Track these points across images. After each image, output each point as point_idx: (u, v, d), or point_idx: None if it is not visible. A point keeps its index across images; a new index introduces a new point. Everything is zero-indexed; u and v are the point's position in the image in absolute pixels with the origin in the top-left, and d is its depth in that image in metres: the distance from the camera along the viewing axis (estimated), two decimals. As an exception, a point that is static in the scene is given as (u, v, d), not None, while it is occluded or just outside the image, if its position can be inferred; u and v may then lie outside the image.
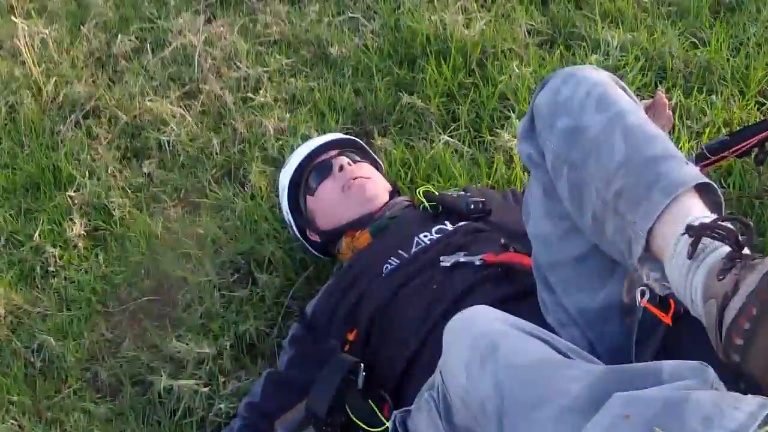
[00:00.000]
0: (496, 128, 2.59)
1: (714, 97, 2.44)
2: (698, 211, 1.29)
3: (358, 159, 2.32)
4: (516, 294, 1.80)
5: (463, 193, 2.19)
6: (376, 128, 2.74)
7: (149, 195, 2.74)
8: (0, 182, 2.91)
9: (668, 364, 1.14)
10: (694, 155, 2.04)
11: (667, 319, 1.42)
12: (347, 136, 2.45)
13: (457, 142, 2.59)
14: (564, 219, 1.56)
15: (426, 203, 2.16)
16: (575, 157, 1.45)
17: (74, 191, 2.78)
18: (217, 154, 2.75)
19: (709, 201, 1.34)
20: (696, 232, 1.22)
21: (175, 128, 2.83)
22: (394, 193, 2.31)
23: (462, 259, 1.90)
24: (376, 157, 2.45)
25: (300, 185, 2.32)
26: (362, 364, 1.82)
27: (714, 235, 1.21)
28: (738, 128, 2.28)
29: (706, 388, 1.09)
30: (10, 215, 2.81)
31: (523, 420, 1.19)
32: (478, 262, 1.88)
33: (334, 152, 2.30)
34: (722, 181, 2.26)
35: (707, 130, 2.38)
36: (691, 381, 1.10)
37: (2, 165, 2.97)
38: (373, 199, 2.22)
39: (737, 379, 1.16)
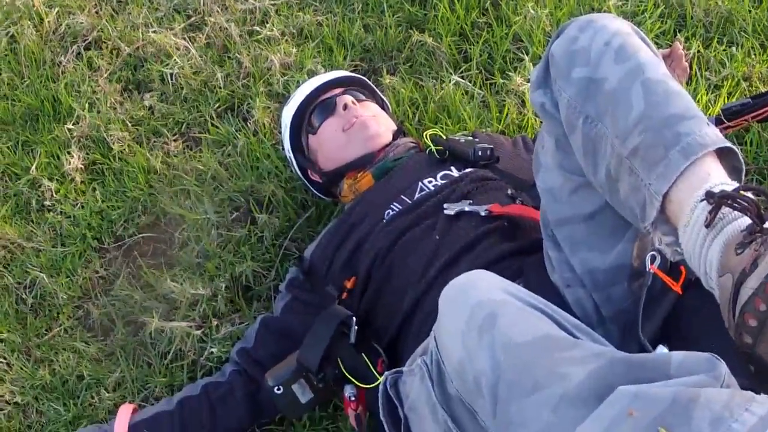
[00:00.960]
0: (509, 71, 2.45)
1: (734, 49, 2.29)
2: (718, 177, 1.21)
3: (363, 98, 2.21)
4: (521, 249, 1.72)
5: (471, 138, 2.08)
6: (385, 66, 2.61)
7: (150, 129, 2.63)
8: (-2, 113, 2.82)
9: (677, 356, 1.06)
10: (714, 117, 1.92)
11: (677, 288, 1.34)
12: (353, 74, 2.33)
13: (467, 83, 2.46)
14: (576, 174, 1.47)
15: (432, 147, 2.05)
16: (591, 110, 1.36)
17: (73, 124, 2.68)
18: (220, 88, 2.64)
19: (729, 166, 1.25)
20: (716, 199, 1.14)
21: (179, 61, 2.71)
22: (399, 133, 2.20)
23: (467, 209, 1.80)
24: (383, 96, 2.34)
25: (302, 123, 2.22)
26: (354, 318, 1.75)
27: (735, 205, 1.13)
28: (759, 89, 2.16)
29: (717, 385, 1.01)
30: (8, 147, 2.72)
31: (518, 404, 1.11)
32: (483, 213, 1.79)
33: (338, 90, 2.19)
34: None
35: (726, 84, 2.24)
36: (701, 376, 1.02)
37: (1, 96, 2.87)
38: (375, 138, 2.11)
39: (747, 361, 1.09)
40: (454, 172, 1.97)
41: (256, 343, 1.95)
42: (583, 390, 1.05)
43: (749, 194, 1.14)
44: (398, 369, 1.54)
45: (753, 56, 2.27)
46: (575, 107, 1.39)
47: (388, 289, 1.82)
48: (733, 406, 0.94)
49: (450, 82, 2.45)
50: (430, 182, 1.95)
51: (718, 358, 1.04)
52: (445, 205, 1.82)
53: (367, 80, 2.33)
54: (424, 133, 2.11)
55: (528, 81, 2.28)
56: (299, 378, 1.77)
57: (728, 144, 1.24)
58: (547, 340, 1.18)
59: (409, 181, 1.97)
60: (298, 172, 2.26)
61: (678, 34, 2.38)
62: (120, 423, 1.85)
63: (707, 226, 1.15)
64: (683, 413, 0.94)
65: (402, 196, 1.94)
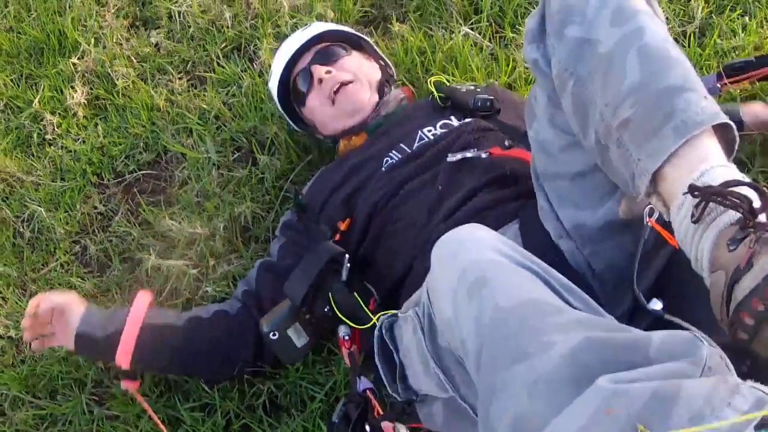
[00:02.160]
0: (519, 25, 2.38)
1: (747, 18, 2.21)
2: (713, 158, 1.12)
3: (339, 55, 2.08)
4: (520, 194, 1.67)
5: (473, 87, 2.02)
6: (394, 13, 2.55)
7: (155, 66, 2.59)
8: (3, 46, 2.78)
9: (657, 337, 1.00)
10: (715, 74, 1.85)
11: (673, 242, 1.24)
12: (320, 29, 2.12)
13: (477, 35, 2.39)
14: (567, 132, 1.39)
15: (436, 94, 2.00)
16: (582, 72, 1.27)
17: (78, 58, 2.65)
18: (228, 28, 2.59)
19: (723, 138, 1.16)
20: (703, 195, 1.07)
21: (187, -2, 2.67)
22: (386, 83, 2.11)
23: (469, 155, 1.75)
24: (359, 35, 2.19)
25: (289, 97, 2.14)
26: (347, 255, 1.72)
27: (726, 202, 1.05)
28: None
29: (698, 371, 0.96)
30: (11, 80, 2.70)
31: (499, 372, 1.07)
32: (484, 155, 1.74)
33: (309, 57, 2.09)
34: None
35: (735, 54, 2.14)
36: (681, 363, 0.97)
37: (7, 28, 2.84)
38: (360, 109, 2.03)
39: (740, 356, 1.04)
40: (454, 122, 1.92)
41: (257, 286, 1.92)
42: (560, 375, 1.00)
43: (740, 190, 1.06)
44: (393, 312, 1.52)
45: (765, 27, 2.20)
46: (566, 67, 1.30)
47: (389, 238, 1.79)
48: (715, 402, 0.89)
49: (459, 33, 2.39)
50: (429, 131, 1.90)
51: (700, 337, 1.00)
52: (448, 155, 1.78)
53: (337, 26, 2.21)
54: (429, 80, 2.06)
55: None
56: (293, 322, 1.75)
57: (725, 120, 1.15)
58: (532, 305, 1.13)
59: (408, 129, 1.93)
60: (297, 128, 2.22)
61: (691, 0, 2.31)
62: (134, 318, 1.79)
63: (695, 221, 1.09)
64: (662, 410, 0.89)
65: (401, 144, 1.90)
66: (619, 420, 0.90)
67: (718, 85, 1.84)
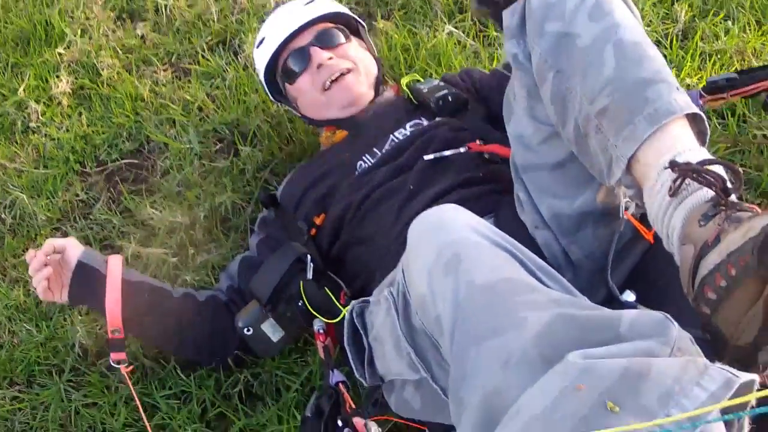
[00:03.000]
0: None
1: (730, 22, 2.25)
2: (685, 143, 1.19)
3: (340, 41, 2.02)
4: (495, 190, 1.70)
5: (438, 83, 1.99)
6: (380, 11, 2.57)
7: (140, 57, 2.61)
8: (-10, 34, 2.80)
9: (628, 316, 1.03)
10: (697, 92, 1.88)
11: (648, 236, 1.34)
12: (327, 9, 2.05)
13: (461, 33, 2.42)
14: (546, 124, 1.44)
15: (409, 94, 1.99)
16: (562, 65, 1.33)
17: (64, 48, 2.66)
18: (214, 21, 2.61)
19: (696, 130, 1.23)
20: (681, 170, 1.13)
21: (174, -8, 2.69)
22: (380, 82, 2.07)
23: (447, 153, 1.77)
24: (360, 22, 2.13)
25: (277, 70, 2.08)
26: (309, 255, 1.76)
27: (700, 179, 1.11)
28: (749, 65, 2.10)
29: (667, 351, 0.99)
30: (-3, 68, 2.70)
31: (472, 347, 1.10)
32: (463, 150, 1.77)
33: (310, 36, 2.01)
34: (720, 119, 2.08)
35: (718, 57, 2.17)
36: (651, 342, 0.99)
37: (-6, 18, 2.85)
38: (356, 102, 2.00)
39: (703, 330, 1.09)
40: (423, 122, 1.92)
41: (239, 281, 1.93)
42: (532, 351, 1.03)
43: (715, 168, 1.13)
44: (365, 299, 1.54)
45: (748, 32, 2.23)
46: (546, 60, 1.36)
47: (359, 244, 1.82)
48: (684, 381, 0.91)
49: (444, 31, 2.41)
50: (400, 133, 1.91)
51: (671, 318, 1.03)
52: (423, 156, 1.79)
53: (339, 6, 2.13)
54: (402, 81, 2.04)
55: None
56: (267, 318, 1.78)
57: (695, 110, 1.22)
58: (507, 284, 1.16)
59: (381, 133, 1.92)
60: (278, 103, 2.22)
61: (675, 3, 2.33)
62: (112, 270, 1.76)
63: (672, 195, 1.14)
64: (632, 387, 0.92)
65: (374, 149, 1.90)
66: (590, 396, 0.92)
67: (701, 102, 1.87)
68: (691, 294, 1.11)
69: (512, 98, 1.53)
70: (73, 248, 1.78)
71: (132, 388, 1.75)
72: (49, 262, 1.73)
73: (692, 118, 1.23)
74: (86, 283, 1.77)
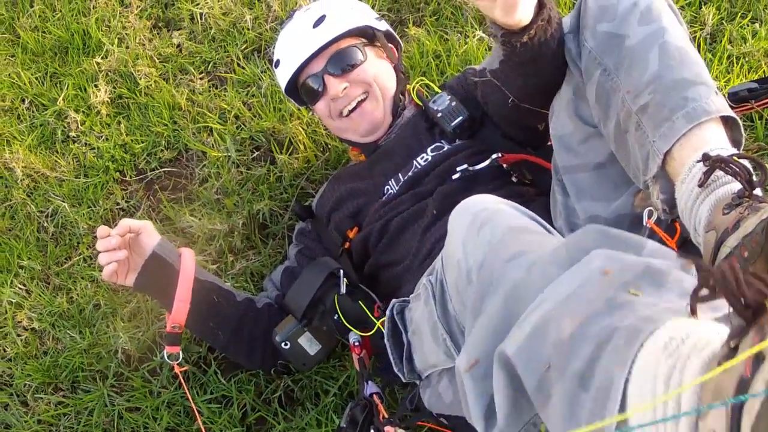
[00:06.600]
0: (534, 31, 2.41)
1: (757, 25, 2.24)
2: (718, 142, 1.28)
3: (351, 63, 1.94)
4: (524, 199, 1.73)
5: (448, 97, 1.94)
6: (411, 17, 2.59)
7: (176, 66, 2.65)
8: (29, 45, 2.84)
9: (652, 243, 1.07)
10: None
11: (672, 243, 1.38)
12: (330, 37, 1.93)
13: (491, 39, 2.43)
14: (588, 123, 1.55)
15: (420, 103, 2.00)
16: (609, 62, 1.44)
17: (102, 58, 2.70)
18: (248, 30, 2.64)
19: (730, 135, 1.31)
20: (711, 162, 1.20)
21: (209, 1, 2.72)
22: (399, 99, 2.01)
23: (479, 167, 1.81)
24: (371, 26, 2.01)
25: (299, 90, 2.03)
26: (342, 270, 1.82)
27: (728, 169, 1.19)
28: None
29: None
30: (36, 78, 2.75)
31: (497, 269, 1.14)
32: (495, 156, 1.81)
33: (323, 62, 1.94)
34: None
35: (746, 60, 2.17)
36: (671, 263, 1.01)
37: (32, 28, 2.90)
38: (374, 131, 1.99)
39: None
40: (444, 145, 1.92)
41: (283, 290, 1.97)
42: (558, 254, 1.07)
43: (743, 161, 1.19)
44: (405, 298, 1.58)
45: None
46: (595, 57, 1.46)
47: (387, 264, 1.87)
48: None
49: (474, 37, 2.43)
50: (422, 158, 1.91)
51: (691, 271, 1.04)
52: (452, 176, 1.82)
53: (350, 17, 1.99)
54: (413, 89, 2.02)
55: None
56: (304, 332, 1.83)
57: (732, 113, 1.30)
58: (534, 229, 1.23)
59: (404, 157, 1.93)
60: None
61: (703, 6, 2.33)
62: (186, 266, 1.77)
63: (701, 186, 1.21)
64: (655, 280, 0.95)
65: (399, 174, 1.92)
66: (614, 282, 0.94)
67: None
68: None
69: (556, 98, 1.63)
70: (150, 235, 1.76)
71: (185, 385, 1.77)
72: (122, 244, 1.69)
73: (728, 125, 1.32)
74: (157, 274, 1.75)
